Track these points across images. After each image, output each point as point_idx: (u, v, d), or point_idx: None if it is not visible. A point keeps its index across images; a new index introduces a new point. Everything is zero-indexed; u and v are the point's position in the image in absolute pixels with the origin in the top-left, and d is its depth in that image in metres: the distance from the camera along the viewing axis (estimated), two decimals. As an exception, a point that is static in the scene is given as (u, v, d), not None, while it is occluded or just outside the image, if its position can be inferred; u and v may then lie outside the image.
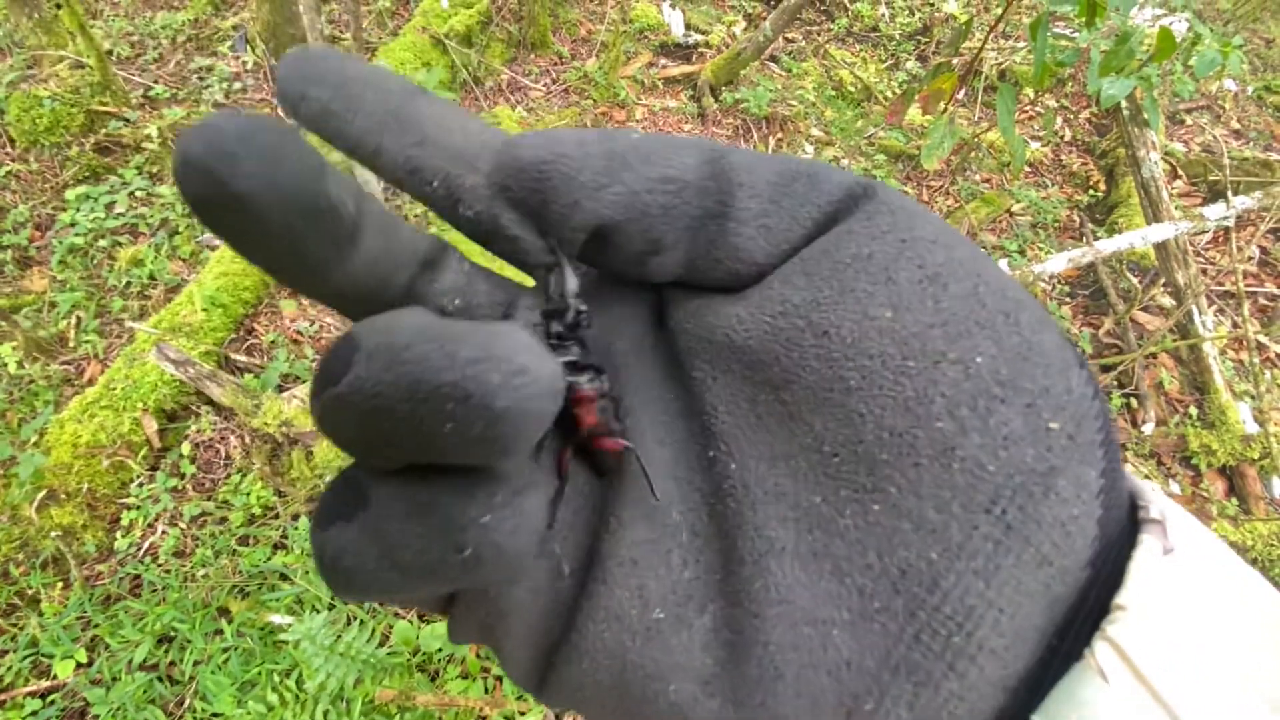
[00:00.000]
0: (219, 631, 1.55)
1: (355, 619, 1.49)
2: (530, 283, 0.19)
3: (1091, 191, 2.90)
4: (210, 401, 1.87)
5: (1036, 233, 2.72)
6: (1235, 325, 2.35)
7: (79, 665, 1.52)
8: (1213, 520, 1.84)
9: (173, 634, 1.56)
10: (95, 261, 2.21)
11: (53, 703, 1.48)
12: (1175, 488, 1.99)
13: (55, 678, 1.50)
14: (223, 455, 1.86)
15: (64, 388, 1.95)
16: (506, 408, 0.11)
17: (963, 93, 2.95)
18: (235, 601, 1.60)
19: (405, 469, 0.13)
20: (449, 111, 0.17)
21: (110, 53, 2.66)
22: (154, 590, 1.63)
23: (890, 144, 2.93)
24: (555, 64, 3.00)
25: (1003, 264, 2.30)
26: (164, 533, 1.72)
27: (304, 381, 1.95)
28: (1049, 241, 2.68)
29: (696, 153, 0.16)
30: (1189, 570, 0.14)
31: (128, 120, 2.49)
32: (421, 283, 0.17)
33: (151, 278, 2.18)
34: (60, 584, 1.64)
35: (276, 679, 1.45)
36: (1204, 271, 2.44)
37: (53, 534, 1.64)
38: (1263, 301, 2.51)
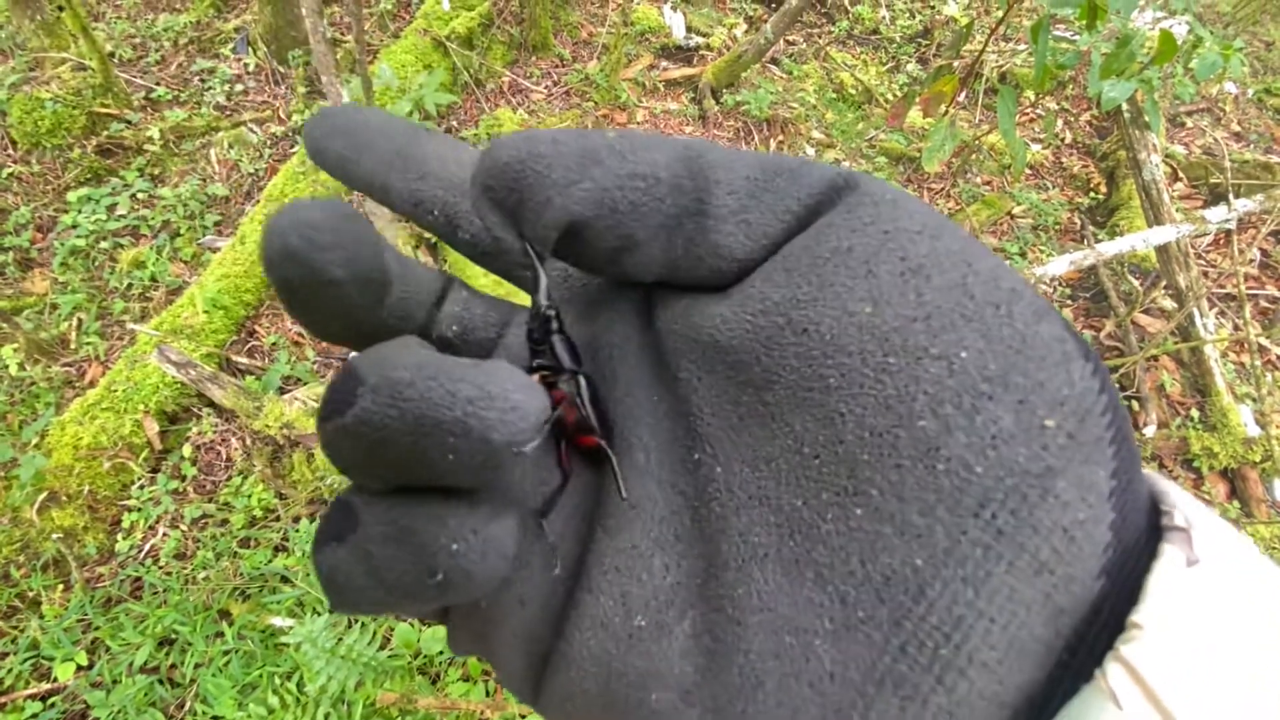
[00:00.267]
0: (220, 634, 1.55)
1: (356, 622, 1.49)
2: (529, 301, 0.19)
3: (1092, 194, 2.90)
4: (211, 403, 1.87)
5: (1037, 235, 2.72)
6: (1237, 328, 2.35)
7: (79, 668, 1.52)
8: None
9: (174, 636, 1.56)
10: (97, 263, 2.21)
11: (53, 705, 1.47)
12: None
13: (56, 680, 1.50)
14: (224, 457, 1.86)
15: (65, 390, 1.95)
16: (502, 440, 0.13)
17: (963, 95, 2.95)
18: (236, 604, 1.59)
19: (391, 491, 0.14)
20: (448, 147, 0.19)
21: (112, 55, 2.67)
22: (155, 592, 1.63)
23: (891, 146, 2.93)
24: (556, 66, 3.01)
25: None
26: (165, 535, 1.72)
27: (305, 383, 1.95)
28: (1050, 244, 2.68)
29: (670, 150, 0.16)
30: (1215, 585, 0.13)
31: (130, 122, 2.50)
32: (430, 315, 0.19)
33: (153, 280, 2.19)
34: (61, 586, 1.64)
35: (277, 682, 1.45)
36: (1205, 274, 2.44)
37: (54, 536, 1.64)
38: (1264, 304, 2.51)
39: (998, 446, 0.13)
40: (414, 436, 0.13)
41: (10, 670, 1.51)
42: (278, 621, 1.48)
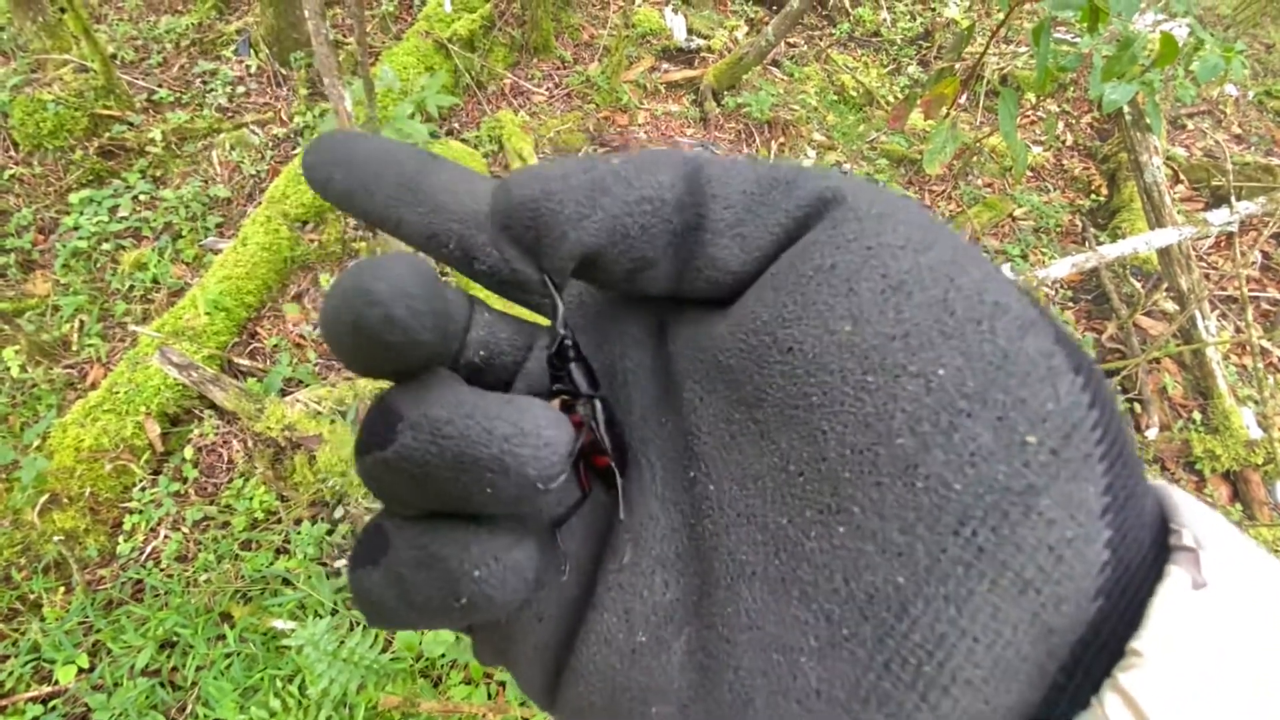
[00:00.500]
0: (221, 637, 1.55)
1: (358, 625, 1.48)
2: (546, 321, 0.20)
3: (1093, 196, 2.90)
4: (213, 405, 1.87)
5: (1039, 237, 2.72)
6: (1238, 330, 2.35)
7: (80, 671, 1.51)
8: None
9: (175, 639, 1.56)
10: (98, 265, 2.21)
11: (54, 708, 1.47)
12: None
13: (57, 683, 1.50)
14: (225, 459, 1.85)
15: (67, 391, 1.95)
16: (537, 476, 0.14)
17: (965, 98, 2.95)
18: (238, 606, 1.59)
19: (421, 517, 0.15)
20: (458, 176, 0.19)
21: (114, 57, 2.67)
22: (156, 595, 1.62)
23: (893, 148, 2.94)
24: (558, 68, 3.01)
25: (1005, 268, 2.30)
26: (166, 537, 1.72)
27: (306, 385, 1.95)
28: (1051, 246, 2.68)
29: (672, 169, 0.17)
30: (1222, 611, 0.12)
31: (132, 124, 2.50)
32: (461, 341, 0.19)
33: (155, 281, 2.19)
34: (62, 589, 1.63)
35: (279, 684, 1.45)
36: (1207, 276, 2.44)
37: (55, 538, 1.64)
38: (1265, 306, 2.51)
39: (976, 464, 0.13)
40: (454, 472, 0.14)
41: (11, 673, 1.51)
42: (279, 624, 1.48)
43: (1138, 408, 2.19)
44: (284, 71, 2.77)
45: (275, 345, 2.07)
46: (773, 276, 0.16)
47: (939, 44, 3.44)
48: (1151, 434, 2.10)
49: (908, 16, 3.64)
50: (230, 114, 2.67)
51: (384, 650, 1.42)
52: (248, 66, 2.79)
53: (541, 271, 0.17)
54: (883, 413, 0.14)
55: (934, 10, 3.62)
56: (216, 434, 1.86)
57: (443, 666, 1.46)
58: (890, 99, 3.17)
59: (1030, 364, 0.14)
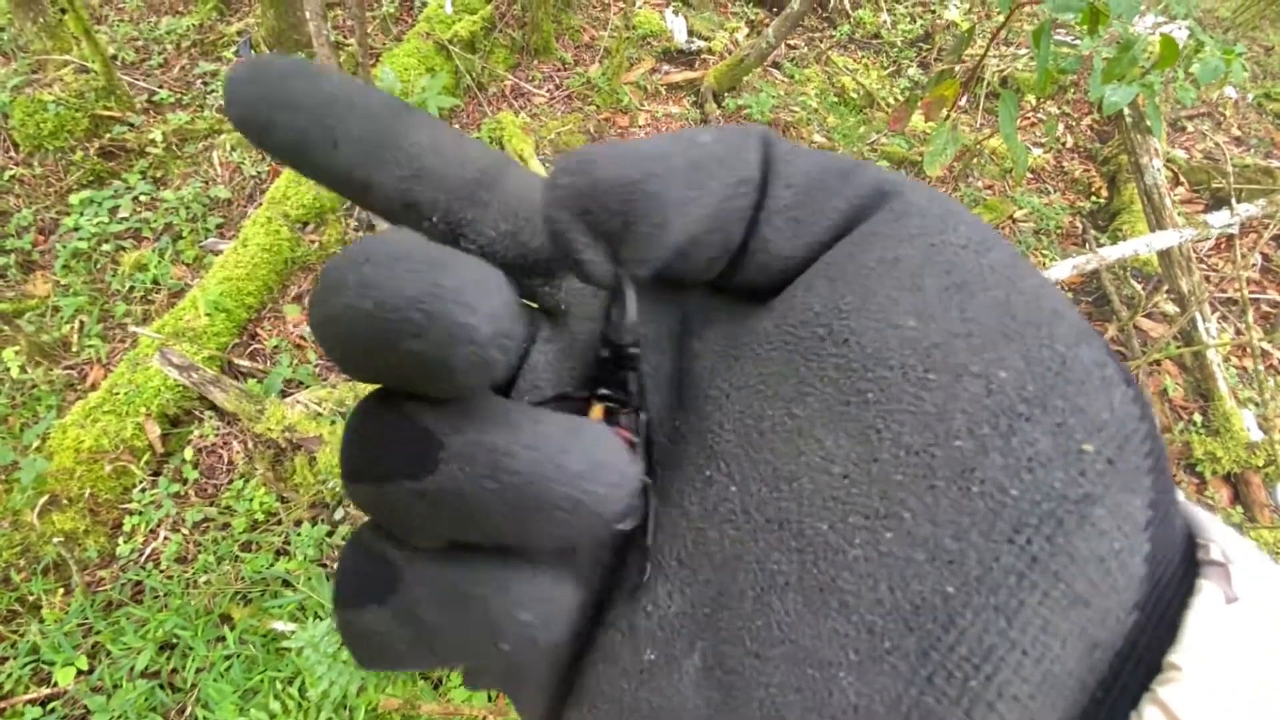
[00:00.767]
0: (221, 638, 1.55)
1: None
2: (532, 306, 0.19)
3: (1094, 198, 2.90)
4: (213, 406, 1.87)
5: (1039, 239, 2.72)
6: (1239, 332, 2.35)
7: (80, 672, 1.51)
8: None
9: (175, 641, 1.55)
10: (99, 266, 2.21)
11: (53, 710, 1.47)
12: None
13: (56, 685, 1.49)
14: (225, 461, 1.85)
15: (67, 392, 1.95)
16: (613, 515, 0.12)
17: (965, 99, 2.95)
18: (237, 608, 1.59)
19: (440, 549, 0.13)
20: (442, 134, 0.16)
21: (115, 57, 2.67)
22: (156, 596, 1.62)
23: (893, 150, 2.94)
24: (559, 70, 3.01)
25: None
26: (166, 538, 1.72)
27: (307, 386, 1.94)
28: (1052, 248, 2.68)
29: (757, 145, 0.16)
30: (1254, 624, 0.12)
31: (132, 125, 2.50)
32: None
33: (155, 282, 2.18)
34: (61, 590, 1.63)
35: (279, 686, 1.44)
36: (1207, 278, 2.44)
37: (54, 540, 1.63)
38: (1266, 308, 2.51)
39: (1034, 469, 0.13)
40: (513, 510, 0.12)
41: (10, 675, 1.50)
42: (279, 626, 1.47)
43: (1138, 410, 2.19)
44: (285, 73, 2.77)
45: (275, 346, 2.07)
46: (827, 266, 0.15)
47: (939, 46, 3.44)
48: (1152, 436, 2.10)
49: (908, 19, 3.64)
50: (231, 115, 2.67)
51: (384, 652, 1.42)
52: (248, 68, 2.79)
53: (619, 265, 0.14)
54: (943, 413, 0.13)
55: (934, 12, 3.63)
56: (217, 435, 1.86)
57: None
58: (890, 101, 3.17)
59: (1085, 372, 0.13)
